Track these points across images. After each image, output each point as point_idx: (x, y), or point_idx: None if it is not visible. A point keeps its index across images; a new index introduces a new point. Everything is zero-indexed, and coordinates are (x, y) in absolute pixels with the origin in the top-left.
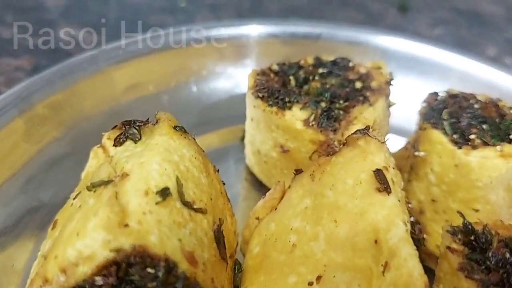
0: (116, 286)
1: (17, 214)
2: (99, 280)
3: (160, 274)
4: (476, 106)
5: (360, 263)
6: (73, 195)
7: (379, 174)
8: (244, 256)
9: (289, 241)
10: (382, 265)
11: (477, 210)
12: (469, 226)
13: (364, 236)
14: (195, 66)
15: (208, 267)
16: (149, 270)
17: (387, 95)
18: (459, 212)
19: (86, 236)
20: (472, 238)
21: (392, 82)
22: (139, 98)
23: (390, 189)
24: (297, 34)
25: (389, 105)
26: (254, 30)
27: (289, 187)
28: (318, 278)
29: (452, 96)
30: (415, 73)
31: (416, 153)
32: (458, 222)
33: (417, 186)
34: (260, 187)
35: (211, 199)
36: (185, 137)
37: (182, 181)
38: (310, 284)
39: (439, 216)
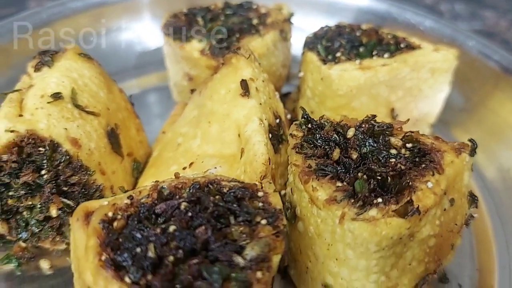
0: (17, 162)
1: None
2: (4, 157)
3: (47, 151)
4: (358, 34)
5: (227, 152)
6: None
7: (243, 83)
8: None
9: (177, 142)
10: (241, 152)
11: (344, 116)
12: (308, 118)
13: (230, 132)
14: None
15: (94, 153)
16: (40, 148)
17: (282, 30)
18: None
19: None
20: (310, 126)
21: (292, 21)
22: None
23: (249, 93)
24: None
25: (286, 39)
26: None
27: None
28: (191, 164)
29: (339, 27)
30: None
31: (299, 74)
32: None
33: (301, 103)
34: None
35: (108, 109)
36: (88, 62)
37: (78, 91)
38: (184, 168)
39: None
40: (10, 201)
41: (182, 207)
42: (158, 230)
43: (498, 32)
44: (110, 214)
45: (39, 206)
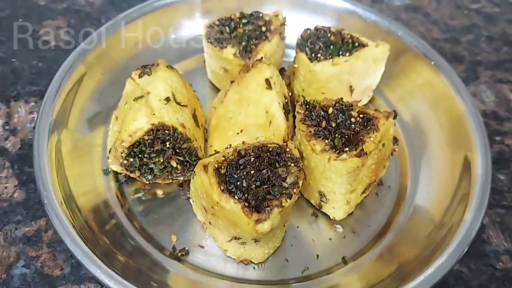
0: (153, 140)
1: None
2: (146, 137)
3: (170, 132)
4: (329, 35)
5: (261, 122)
6: (122, 103)
7: (267, 80)
8: (209, 126)
9: (229, 116)
10: (269, 122)
11: (323, 93)
12: (307, 101)
13: (261, 110)
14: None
15: (191, 130)
16: (166, 131)
17: (281, 33)
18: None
19: (138, 120)
20: (308, 106)
21: (285, 23)
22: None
23: (271, 87)
24: None
25: (283, 38)
26: None
27: (229, 90)
28: (241, 131)
29: (316, 29)
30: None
31: (294, 66)
32: None
33: (295, 84)
34: (218, 91)
35: (189, 99)
36: (173, 71)
37: (175, 93)
38: (237, 133)
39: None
40: (144, 160)
41: (252, 159)
42: (245, 173)
43: (422, 5)
44: (216, 165)
45: (161, 161)
